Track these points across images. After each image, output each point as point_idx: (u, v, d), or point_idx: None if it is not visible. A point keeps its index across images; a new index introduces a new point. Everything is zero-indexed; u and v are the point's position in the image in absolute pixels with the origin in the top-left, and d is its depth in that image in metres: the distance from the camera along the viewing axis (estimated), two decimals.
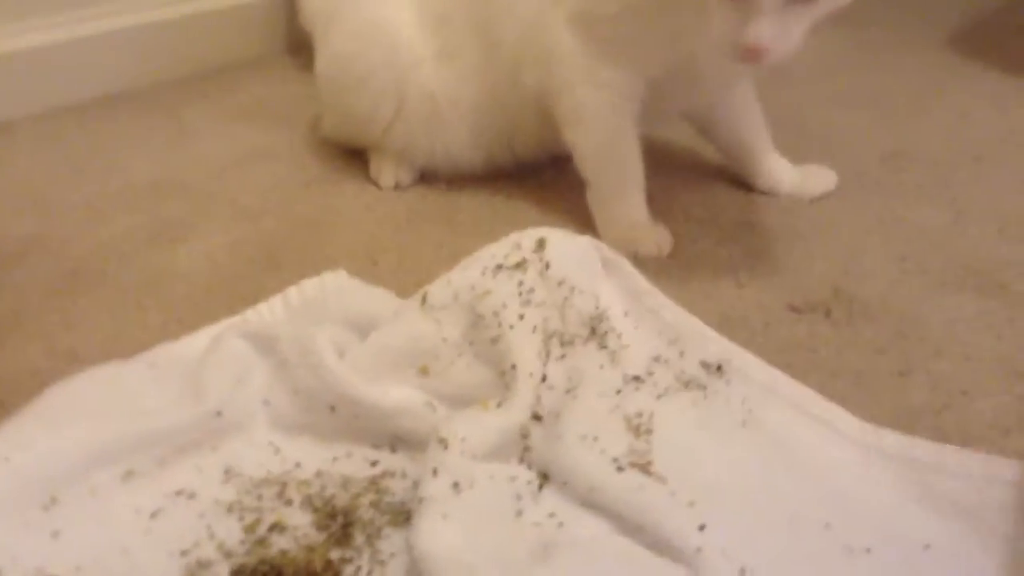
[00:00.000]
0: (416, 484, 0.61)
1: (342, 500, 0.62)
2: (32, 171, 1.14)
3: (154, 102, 1.34)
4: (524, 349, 0.68)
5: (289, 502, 0.62)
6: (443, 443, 0.61)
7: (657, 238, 0.95)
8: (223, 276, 0.92)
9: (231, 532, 0.60)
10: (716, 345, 0.75)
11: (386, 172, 1.09)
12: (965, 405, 0.73)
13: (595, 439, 0.64)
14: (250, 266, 0.94)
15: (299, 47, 1.44)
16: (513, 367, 0.67)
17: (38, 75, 1.26)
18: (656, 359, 0.74)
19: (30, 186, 1.10)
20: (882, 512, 0.62)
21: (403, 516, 0.61)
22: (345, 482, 0.64)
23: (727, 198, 1.06)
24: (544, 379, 0.68)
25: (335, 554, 0.59)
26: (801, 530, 0.60)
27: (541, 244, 0.75)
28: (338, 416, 0.67)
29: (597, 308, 0.74)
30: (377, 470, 0.65)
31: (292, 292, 0.79)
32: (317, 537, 0.60)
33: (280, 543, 0.60)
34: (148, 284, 0.91)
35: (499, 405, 0.65)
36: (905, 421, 0.71)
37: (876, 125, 1.27)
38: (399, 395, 0.67)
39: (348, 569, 0.58)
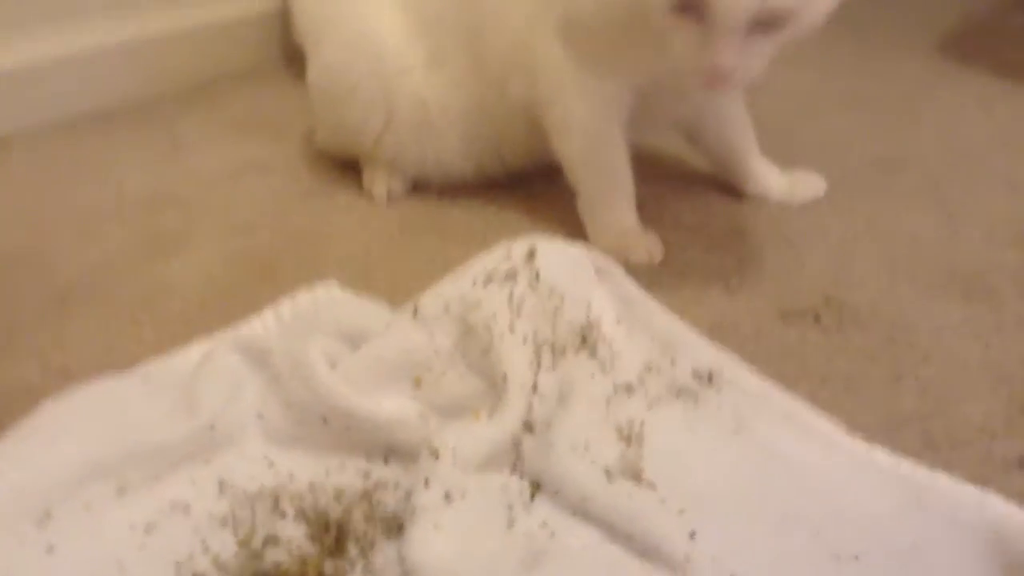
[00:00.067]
0: (409, 495, 0.61)
1: (335, 512, 0.62)
2: (26, 186, 1.14)
3: (148, 116, 1.34)
4: (515, 359, 0.68)
5: (283, 514, 0.63)
6: (435, 454, 0.62)
7: (648, 245, 0.95)
8: (217, 289, 0.92)
9: (225, 545, 0.60)
10: (707, 353, 0.76)
11: (379, 182, 1.10)
12: (953, 411, 0.74)
13: (586, 448, 0.65)
14: (244, 279, 0.94)
15: (293, 59, 1.44)
16: (504, 377, 0.67)
17: (32, 91, 1.26)
18: (648, 367, 0.74)
19: (24, 201, 1.11)
20: (871, 519, 0.62)
21: (396, 527, 0.61)
22: (338, 494, 0.64)
23: (717, 205, 1.06)
24: (535, 389, 0.68)
25: (329, 566, 0.59)
26: (790, 537, 0.60)
27: (531, 254, 0.75)
28: (331, 428, 0.67)
29: (588, 317, 0.74)
30: (370, 481, 0.65)
31: (284, 305, 0.79)
32: (311, 549, 0.60)
33: (274, 555, 0.60)
34: (142, 298, 0.91)
35: (490, 415, 0.66)
36: (894, 427, 0.72)
37: (866, 130, 1.28)
38: (391, 406, 0.68)
39: None
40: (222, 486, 0.65)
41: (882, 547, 0.60)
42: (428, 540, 0.57)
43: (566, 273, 0.76)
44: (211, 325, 0.81)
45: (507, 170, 1.08)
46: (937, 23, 1.74)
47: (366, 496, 0.64)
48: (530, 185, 1.09)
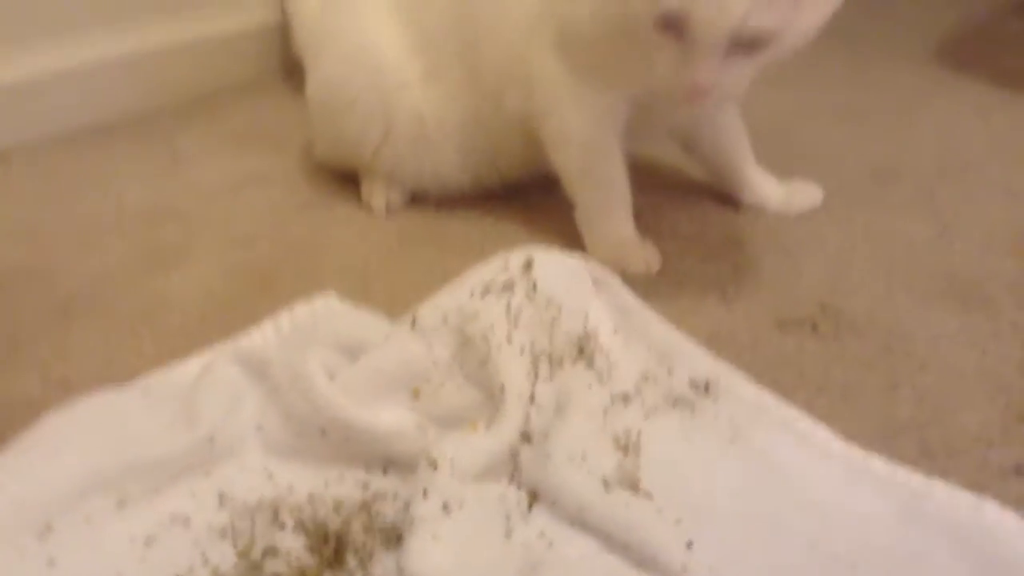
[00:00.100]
0: (407, 506, 0.62)
1: (334, 523, 0.63)
2: (26, 200, 1.15)
3: (148, 130, 1.35)
4: (512, 370, 0.68)
5: (282, 526, 0.63)
6: (433, 464, 0.62)
7: (645, 255, 0.95)
8: (217, 302, 0.93)
9: (225, 557, 0.61)
10: (704, 363, 0.76)
11: (377, 194, 1.11)
12: (950, 419, 0.74)
13: (583, 458, 0.65)
14: (244, 291, 0.95)
15: (293, 72, 1.45)
16: (502, 388, 0.67)
17: (32, 104, 1.27)
18: (645, 377, 0.74)
19: (24, 215, 1.11)
20: (868, 527, 0.63)
21: (395, 538, 0.61)
22: (337, 505, 0.64)
23: (714, 215, 1.07)
24: (533, 399, 0.69)
25: None
26: (787, 547, 0.61)
27: (528, 265, 0.76)
28: (329, 440, 0.68)
29: (585, 328, 0.75)
30: (369, 493, 0.66)
31: (283, 317, 0.80)
32: (310, 560, 0.60)
33: (273, 567, 0.60)
34: (142, 311, 0.92)
35: (488, 426, 0.66)
36: (891, 435, 0.72)
37: (862, 139, 1.28)
38: (390, 418, 0.68)
39: None
40: (222, 498, 0.65)
41: (879, 555, 0.60)
42: (426, 550, 0.57)
43: (563, 284, 0.76)
44: (211, 337, 0.81)
45: (504, 182, 1.09)
46: (933, 31, 1.74)
47: (365, 507, 0.64)
48: (528, 196, 1.09)
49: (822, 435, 0.70)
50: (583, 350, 0.73)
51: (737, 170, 1.06)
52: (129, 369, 0.79)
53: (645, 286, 0.91)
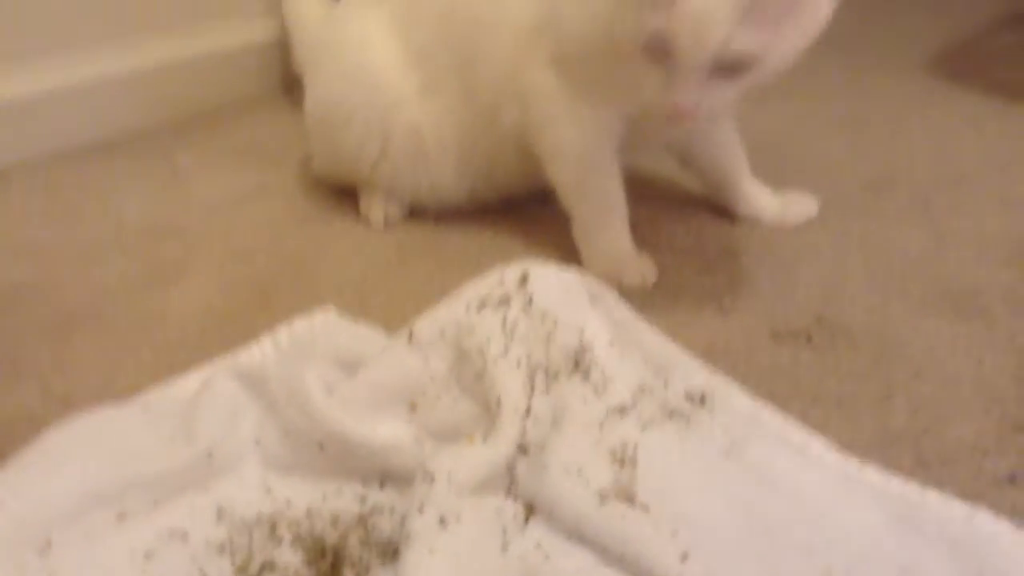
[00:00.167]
0: (404, 519, 0.62)
1: (331, 537, 0.63)
2: (27, 217, 1.16)
3: (148, 146, 1.36)
4: (508, 383, 0.69)
5: (279, 541, 0.63)
6: (429, 478, 0.63)
7: (641, 268, 0.96)
8: (216, 317, 0.93)
9: (223, 572, 0.61)
10: (699, 375, 0.76)
11: (376, 208, 1.11)
12: (945, 428, 0.74)
13: (579, 471, 0.65)
14: (243, 306, 0.95)
15: (292, 88, 1.46)
16: (498, 401, 0.68)
17: (32, 122, 1.28)
18: (641, 389, 0.75)
19: (25, 232, 1.12)
20: (863, 536, 0.63)
21: (391, 552, 0.61)
22: (335, 519, 0.65)
23: (710, 227, 1.07)
24: (529, 412, 0.69)
25: None
26: (782, 557, 0.61)
27: (524, 279, 0.76)
28: (327, 454, 0.68)
29: (581, 341, 0.75)
30: (366, 507, 0.66)
31: (282, 332, 0.80)
32: (307, 575, 0.61)
33: None
34: (142, 327, 0.92)
35: (485, 439, 0.67)
36: (886, 445, 0.72)
37: (857, 150, 1.29)
38: (387, 431, 0.68)
39: None
40: (220, 513, 0.66)
41: (874, 565, 0.60)
42: (423, 564, 0.58)
43: (559, 297, 0.77)
44: (210, 352, 0.82)
45: (501, 195, 1.10)
46: (927, 42, 1.75)
47: (362, 521, 0.64)
48: (525, 210, 1.10)
49: (817, 446, 0.70)
50: (579, 363, 0.74)
51: (733, 183, 1.07)
52: (129, 384, 0.79)
53: (641, 298, 0.91)
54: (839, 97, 1.48)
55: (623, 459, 0.68)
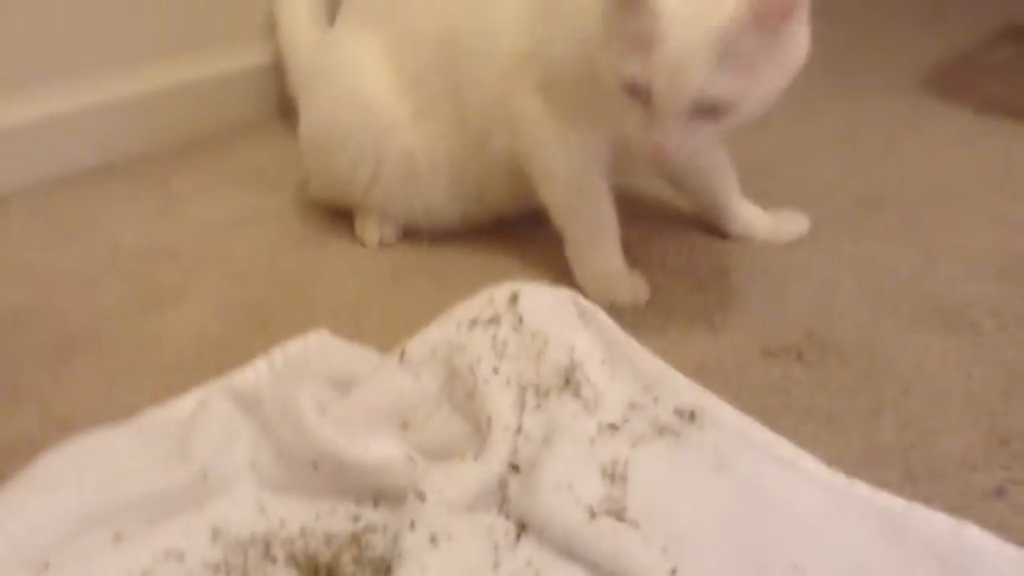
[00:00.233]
0: (396, 538, 0.63)
1: (325, 556, 0.64)
2: (25, 242, 1.17)
3: (146, 171, 1.37)
4: (499, 402, 0.70)
5: (274, 560, 0.64)
6: (420, 496, 0.63)
7: (634, 287, 0.97)
8: (212, 339, 0.94)
9: None
10: (689, 392, 0.77)
11: (371, 230, 1.13)
12: (933, 443, 0.75)
13: (570, 487, 0.66)
14: (239, 329, 0.96)
15: (289, 112, 1.47)
16: (488, 420, 0.69)
17: (30, 148, 1.29)
18: (631, 406, 0.76)
19: (23, 257, 1.13)
20: (852, 551, 0.64)
21: (384, 570, 0.62)
22: (328, 538, 0.65)
23: (702, 246, 1.08)
24: (520, 430, 0.70)
25: None
26: (771, 572, 0.62)
27: (514, 298, 0.77)
28: (321, 473, 0.69)
29: (571, 359, 0.76)
30: (359, 525, 0.67)
31: (276, 353, 0.81)
32: None
33: None
34: (140, 351, 0.93)
35: (476, 457, 0.67)
36: (874, 460, 0.73)
37: (848, 168, 1.30)
38: (380, 451, 0.69)
39: None
40: (215, 533, 0.66)
41: None
42: None
43: (549, 316, 0.78)
44: (207, 375, 0.82)
45: (494, 217, 1.11)
46: (920, 59, 1.76)
47: (355, 540, 0.65)
48: (519, 230, 1.11)
49: (806, 461, 0.71)
50: (569, 381, 0.75)
51: (724, 203, 1.08)
52: (127, 407, 0.80)
53: (634, 317, 0.92)
54: (831, 115, 1.49)
55: (614, 475, 0.69)
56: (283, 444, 0.70)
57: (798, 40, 0.80)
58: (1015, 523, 0.67)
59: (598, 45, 0.82)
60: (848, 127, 1.45)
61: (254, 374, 0.80)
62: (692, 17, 0.74)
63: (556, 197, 0.98)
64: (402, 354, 0.74)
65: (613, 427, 0.73)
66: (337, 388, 0.75)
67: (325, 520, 0.67)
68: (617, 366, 0.78)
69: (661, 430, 0.73)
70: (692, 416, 0.74)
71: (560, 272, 1.00)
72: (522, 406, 0.71)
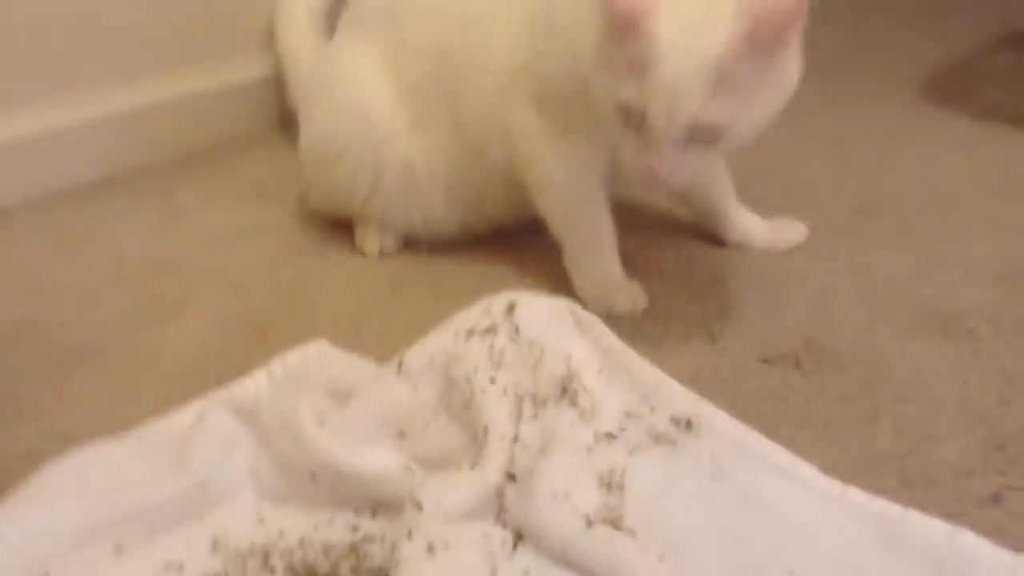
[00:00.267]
0: (393, 548, 0.63)
1: (323, 567, 0.64)
2: (28, 256, 1.17)
3: (147, 184, 1.37)
4: (495, 411, 0.70)
5: (272, 570, 0.64)
6: (418, 506, 0.64)
7: (632, 296, 0.98)
8: (213, 351, 0.95)
9: None
10: (686, 401, 0.77)
11: (370, 240, 1.13)
12: (929, 449, 0.75)
13: (567, 496, 0.66)
14: (239, 340, 0.96)
15: (289, 123, 1.48)
16: (485, 429, 0.69)
17: (32, 162, 1.30)
18: (628, 415, 0.76)
19: (26, 271, 1.14)
20: (847, 558, 0.64)
21: None
22: (327, 548, 0.66)
23: (700, 254, 1.09)
24: (517, 439, 0.70)
25: None
26: None
27: (511, 308, 0.78)
28: (319, 484, 0.69)
29: (568, 368, 0.76)
30: (357, 535, 0.67)
31: (276, 364, 0.81)
32: None
33: None
34: (140, 363, 0.93)
35: (472, 467, 0.68)
36: (871, 467, 0.73)
37: (846, 174, 1.30)
38: (378, 461, 0.70)
39: None
40: (215, 544, 0.67)
41: None
42: None
43: (545, 325, 0.78)
44: (208, 387, 0.82)
45: (492, 226, 1.11)
46: (919, 65, 1.76)
47: (353, 550, 0.66)
48: (518, 239, 1.12)
49: (802, 469, 0.71)
50: (566, 390, 0.75)
51: (721, 211, 1.09)
52: (127, 419, 0.80)
53: (632, 325, 0.93)
54: (829, 122, 1.49)
55: (611, 484, 0.69)
56: (282, 455, 0.70)
57: (790, 65, 0.81)
58: (1012, 529, 0.67)
59: (592, 69, 0.82)
60: (846, 133, 1.46)
61: (253, 385, 0.80)
62: (687, 43, 0.75)
63: (553, 208, 0.99)
64: (400, 364, 0.75)
65: (610, 436, 0.73)
66: (336, 398, 0.75)
67: (324, 530, 0.68)
68: (614, 375, 0.79)
69: (658, 439, 0.74)
70: (689, 424, 0.75)
71: (559, 281, 1.00)
72: (519, 415, 0.72)
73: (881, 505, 0.68)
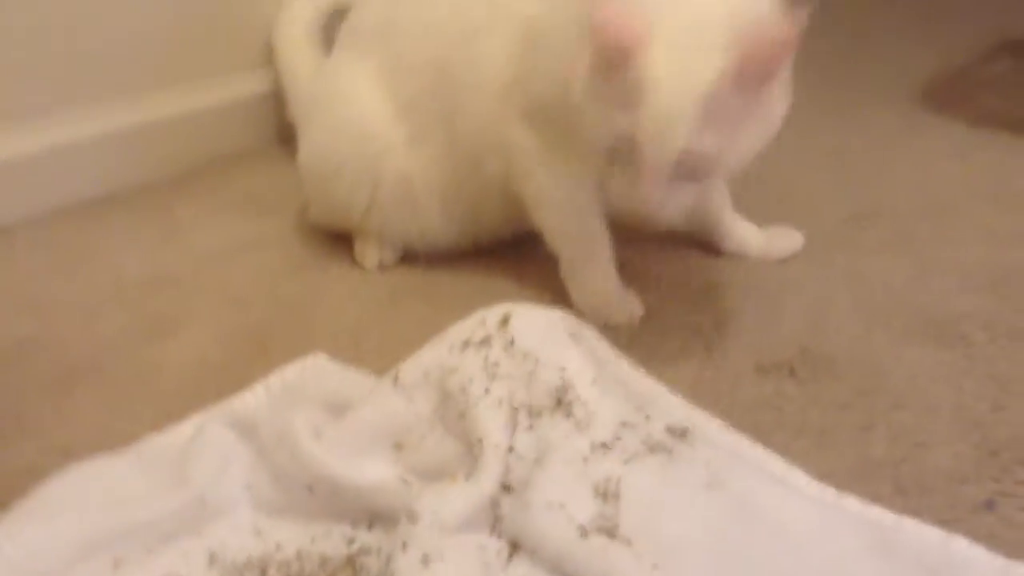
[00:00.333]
0: (389, 559, 0.64)
1: None
2: (29, 274, 1.18)
3: (147, 200, 1.38)
4: (489, 422, 0.71)
5: None
6: (413, 517, 0.64)
7: (628, 306, 0.98)
8: (212, 366, 0.95)
9: None
10: (681, 410, 0.78)
11: (369, 254, 1.14)
12: (923, 456, 0.76)
13: (562, 506, 0.67)
14: (239, 354, 0.97)
15: (288, 138, 1.48)
16: (480, 440, 0.70)
17: (33, 180, 1.30)
18: (623, 424, 0.76)
19: (27, 288, 1.14)
20: (842, 565, 0.64)
21: None
22: (323, 560, 0.66)
23: (696, 263, 1.09)
24: (512, 449, 0.71)
25: None
26: None
27: (505, 320, 0.79)
28: (316, 496, 0.70)
29: (563, 379, 0.77)
30: (354, 547, 0.68)
31: (274, 378, 0.82)
32: None
33: None
34: (141, 378, 0.94)
35: (467, 478, 0.68)
36: (865, 474, 0.74)
37: (843, 182, 1.31)
38: (374, 473, 0.70)
39: None
40: (212, 558, 0.67)
41: None
42: None
43: (540, 337, 0.79)
44: (208, 403, 0.83)
45: (490, 238, 1.12)
46: (916, 73, 1.76)
47: (350, 562, 0.66)
48: (516, 250, 1.12)
49: (797, 477, 0.72)
50: (561, 400, 0.76)
51: (716, 220, 1.09)
52: (127, 434, 0.81)
53: (628, 335, 0.93)
54: (826, 130, 1.49)
55: (606, 493, 0.69)
56: (279, 468, 0.71)
57: (779, 99, 0.81)
58: (1005, 535, 0.67)
59: (582, 99, 0.82)
60: (842, 141, 1.46)
61: (252, 399, 0.81)
62: (677, 77, 0.75)
63: (549, 221, 1.00)
64: (395, 377, 0.76)
65: (605, 446, 0.74)
66: (333, 411, 0.76)
67: (320, 543, 0.68)
68: (608, 385, 0.79)
69: (653, 448, 0.74)
70: (684, 434, 0.75)
71: (556, 292, 1.01)
72: (514, 426, 0.72)
73: (875, 512, 0.68)
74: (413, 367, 0.76)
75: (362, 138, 1.06)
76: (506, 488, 0.69)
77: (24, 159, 1.29)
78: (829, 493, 0.70)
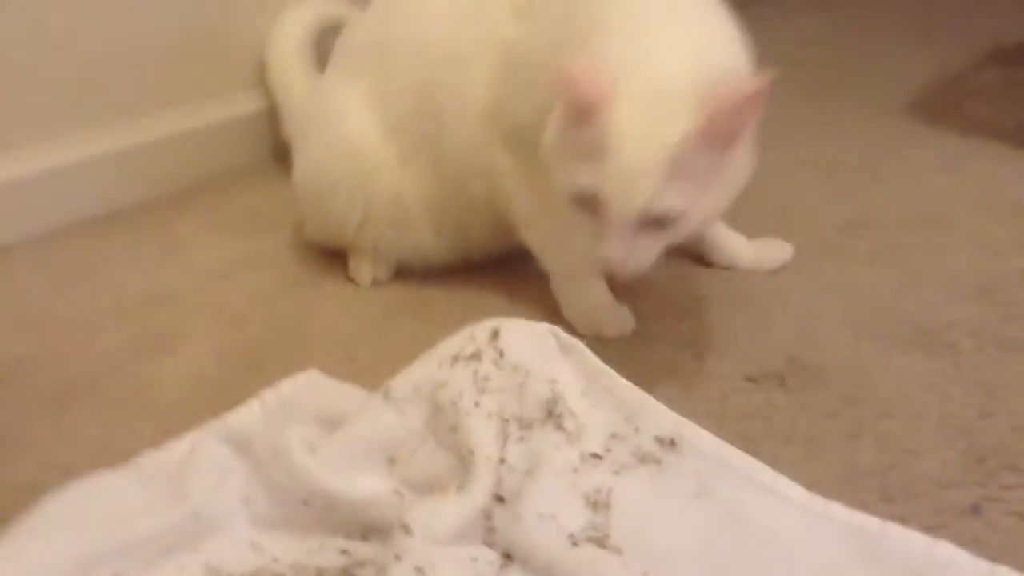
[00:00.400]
0: (382, 572, 0.64)
1: None
2: (28, 292, 1.19)
3: (146, 219, 1.40)
4: (480, 434, 0.72)
5: None
6: (406, 530, 0.65)
7: (619, 319, 0.99)
8: (209, 382, 0.96)
9: None
10: (670, 421, 0.79)
11: (363, 270, 1.15)
12: (911, 463, 0.77)
13: (553, 516, 0.68)
14: (234, 371, 0.98)
15: (284, 155, 1.50)
16: (471, 452, 0.71)
17: (33, 200, 1.32)
18: (613, 436, 0.77)
19: (26, 306, 1.16)
20: (830, 573, 0.65)
21: None
22: (319, 573, 0.67)
23: (686, 275, 1.10)
24: (503, 461, 0.72)
25: None
26: None
27: (495, 334, 0.80)
28: (311, 510, 0.71)
29: (552, 391, 0.78)
30: (349, 560, 0.68)
31: (269, 394, 0.83)
32: None
33: None
34: (138, 395, 0.95)
35: (459, 490, 0.69)
36: (853, 482, 0.75)
37: (832, 193, 1.32)
38: (367, 486, 0.71)
39: None
40: (210, 572, 0.68)
41: None
42: None
43: (529, 350, 0.80)
44: (204, 419, 0.84)
45: (480, 255, 1.13)
46: (907, 83, 1.76)
47: (345, 574, 0.67)
48: (508, 266, 1.13)
49: (784, 485, 0.72)
50: (551, 412, 0.77)
51: (707, 232, 1.10)
52: (125, 451, 0.81)
53: (619, 346, 0.95)
54: (816, 141, 1.50)
55: (597, 503, 0.70)
56: (274, 483, 0.72)
57: (744, 160, 0.83)
58: (990, 540, 0.68)
59: (550, 152, 0.84)
60: (833, 153, 1.47)
61: (247, 414, 0.82)
62: (643, 132, 0.77)
63: (536, 241, 1.02)
64: (386, 392, 0.76)
65: (595, 457, 0.75)
66: (326, 426, 0.77)
67: (316, 556, 0.69)
68: (598, 397, 0.80)
69: (643, 458, 0.75)
70: (673, 444, 0.76)
71: (548, 307, 1.02)
72: (505, 438, 0.73)
73: (861, 519, 0.69)
74: (403, 382, 0.77)
75: (355, 156, 1.07)
76: (498, 499, 0.70)
77: (25, 180, 1.31)
78: (817, 501, 0.71)
